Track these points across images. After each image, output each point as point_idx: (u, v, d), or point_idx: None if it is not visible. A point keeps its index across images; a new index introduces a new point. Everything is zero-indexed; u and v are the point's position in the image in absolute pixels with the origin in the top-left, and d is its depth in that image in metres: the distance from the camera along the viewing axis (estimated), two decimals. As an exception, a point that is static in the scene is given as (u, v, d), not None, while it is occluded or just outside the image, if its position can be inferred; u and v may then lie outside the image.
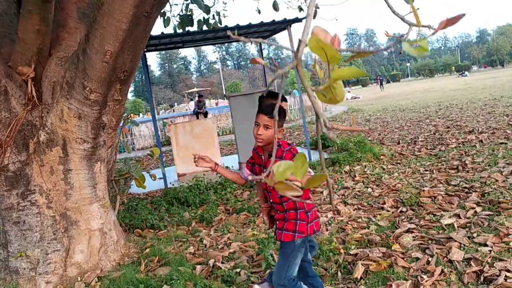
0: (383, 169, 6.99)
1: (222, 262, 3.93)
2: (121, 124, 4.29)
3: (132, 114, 22.13)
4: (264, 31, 9.20)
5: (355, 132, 10.26)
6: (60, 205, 3.92)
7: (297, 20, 7.93)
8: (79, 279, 3.74)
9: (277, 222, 2.76)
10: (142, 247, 4.37)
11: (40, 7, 3.49)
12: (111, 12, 3.27)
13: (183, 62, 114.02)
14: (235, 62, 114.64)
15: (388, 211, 4.85)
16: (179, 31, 7.25)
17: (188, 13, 7.13)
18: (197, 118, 18.42)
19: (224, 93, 40.59)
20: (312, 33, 0.94)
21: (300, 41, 0.90)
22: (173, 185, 7.65)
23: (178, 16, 6.87)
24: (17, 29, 3.94)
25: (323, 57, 0.93)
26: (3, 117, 3.66)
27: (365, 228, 4.39)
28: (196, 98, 22.24)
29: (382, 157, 7.82)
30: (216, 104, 37.25)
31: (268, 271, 3.40)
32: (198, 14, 16.45)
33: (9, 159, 3.71)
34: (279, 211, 2.72)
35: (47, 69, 3.89)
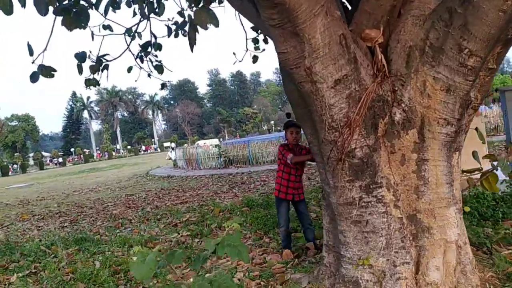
0: None
1: None
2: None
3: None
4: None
5: None
6: (408, 205, 3.07)
7: None
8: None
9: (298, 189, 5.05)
10: (499, 271, 3.25)
11: None
12: None
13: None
14: None
15: None
16: None
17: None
18: None
19: None
20: None
21: None
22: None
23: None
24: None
25: None
26: (353, 90, 2.96)
27: None
28: None
29: None
30: None
31: None
32: None
33: (356, 143, 3.00)
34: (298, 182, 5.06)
35: (400, 32, 3.08)
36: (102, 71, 5.47)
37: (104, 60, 5.49)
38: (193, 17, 3.07)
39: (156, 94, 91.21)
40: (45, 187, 23.27)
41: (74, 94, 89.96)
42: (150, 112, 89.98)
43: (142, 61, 5.95)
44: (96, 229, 8.40)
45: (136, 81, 7.12)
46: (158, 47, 5.84)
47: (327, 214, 3.49)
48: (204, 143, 30.54)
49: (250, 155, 17.79)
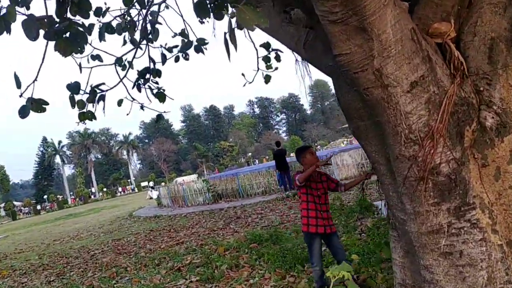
0: None
1: None
2: None
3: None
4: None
5: None
6: (507, 228, 2.53)
7: None
8: None
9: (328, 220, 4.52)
10: None
11: None
12: None
13: (334, 99, 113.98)
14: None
15: None
16: None
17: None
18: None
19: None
20: None
21: None
22: None
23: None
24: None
25: None
26: (432, 93, 2.45)
27: None
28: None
29: None
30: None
31: None
32: None
33: (441, 156, 2.46)
34: (326, 211, 4.53)
35: (476, 23, 2.62)
36: (98, 102, 4.83)
37: (98, 91, 4.88)
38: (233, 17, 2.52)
39: (130, 133, 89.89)
40: (21, 238, 21.82)
41: (44, 139, 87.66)
42: (125, 152, 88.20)
43: (139, 90, 5.34)
44: (89, 282, 7.54)
45: (127, 114, 6.46)
46: (158, 73, 5.27)
47: (400, 246, 2.91)
48: (183, 180, 29.70)
49: (240, 188, 17.11)
